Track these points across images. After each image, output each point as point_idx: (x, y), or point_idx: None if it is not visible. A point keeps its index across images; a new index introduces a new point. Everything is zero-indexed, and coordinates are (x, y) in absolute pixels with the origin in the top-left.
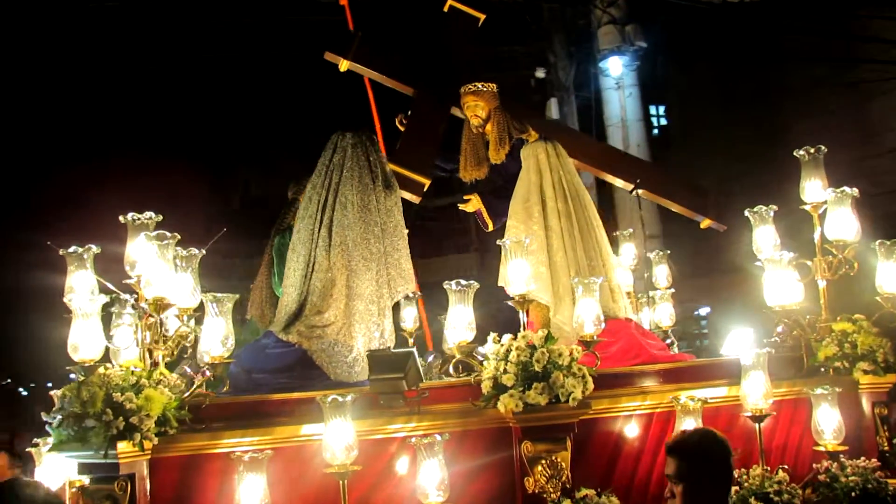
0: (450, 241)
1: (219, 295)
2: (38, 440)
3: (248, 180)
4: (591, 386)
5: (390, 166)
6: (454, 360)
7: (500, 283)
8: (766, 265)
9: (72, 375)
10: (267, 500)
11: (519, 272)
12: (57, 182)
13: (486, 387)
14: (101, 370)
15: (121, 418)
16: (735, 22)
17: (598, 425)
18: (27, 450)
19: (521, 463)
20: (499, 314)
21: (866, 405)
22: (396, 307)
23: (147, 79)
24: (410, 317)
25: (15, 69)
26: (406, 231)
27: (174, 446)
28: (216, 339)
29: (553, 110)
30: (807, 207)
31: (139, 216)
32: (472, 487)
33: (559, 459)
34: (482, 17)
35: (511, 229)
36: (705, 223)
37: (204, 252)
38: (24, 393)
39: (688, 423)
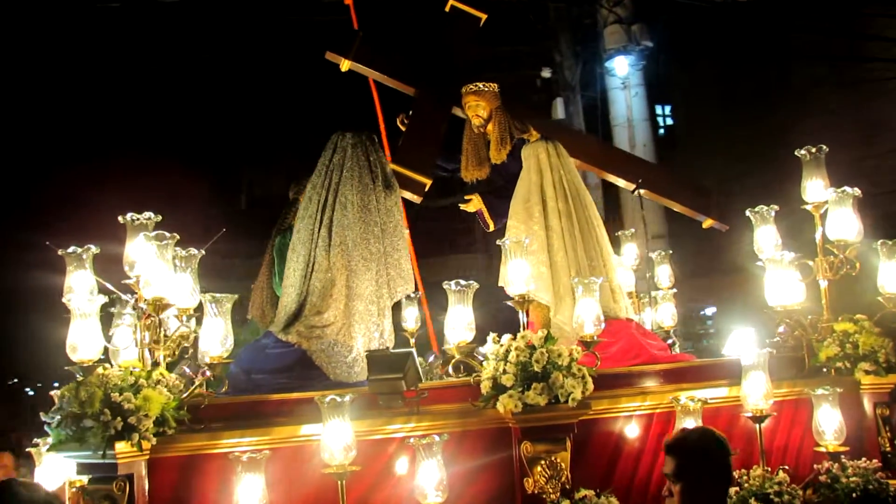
0: (453, 240)
1: (218, 295)
2: (38, 440)
3: (250, 181)
4: (590, 386)
5: (391, 166)
6: (454, 361)
7: (500, 284)
8: (768, 265)
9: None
10: (265, 500)
11: (519, 272)
12: (57, 182)
13: (485, 387)
14: (99, 370)
15: (119, 418)
16: (737, 20)
17: (597, 426)
18: (27, 450)
19: (520, 463)
20: (499, 314)
21: (868, 406)
22: (397, 307)
23: (148, 79)
24: (412, 317)
25: (15, 69)
26: (406, 231)
27: (173, 446)
28: (215, 339)
29: (559, 110)
30: (808, 207)
31: (138, 216)
32: (472, 488)
33: (559, 460)
34: (484, 16)
35: (511, 229)
36: (707, 223)
37: (203, 252)
38: (31, 393)
39: (688, 424)
